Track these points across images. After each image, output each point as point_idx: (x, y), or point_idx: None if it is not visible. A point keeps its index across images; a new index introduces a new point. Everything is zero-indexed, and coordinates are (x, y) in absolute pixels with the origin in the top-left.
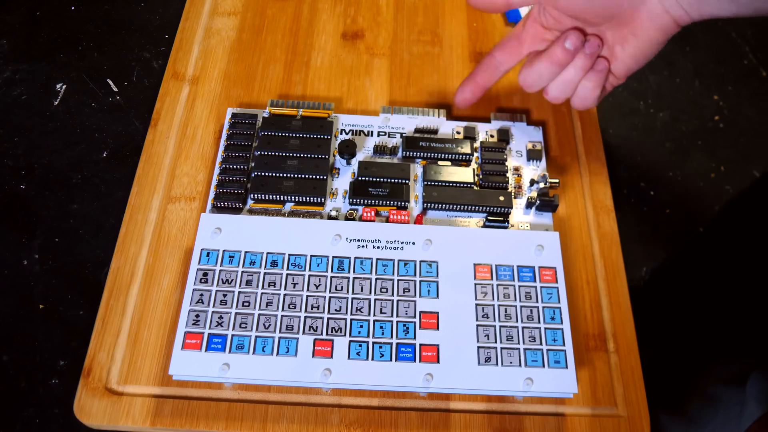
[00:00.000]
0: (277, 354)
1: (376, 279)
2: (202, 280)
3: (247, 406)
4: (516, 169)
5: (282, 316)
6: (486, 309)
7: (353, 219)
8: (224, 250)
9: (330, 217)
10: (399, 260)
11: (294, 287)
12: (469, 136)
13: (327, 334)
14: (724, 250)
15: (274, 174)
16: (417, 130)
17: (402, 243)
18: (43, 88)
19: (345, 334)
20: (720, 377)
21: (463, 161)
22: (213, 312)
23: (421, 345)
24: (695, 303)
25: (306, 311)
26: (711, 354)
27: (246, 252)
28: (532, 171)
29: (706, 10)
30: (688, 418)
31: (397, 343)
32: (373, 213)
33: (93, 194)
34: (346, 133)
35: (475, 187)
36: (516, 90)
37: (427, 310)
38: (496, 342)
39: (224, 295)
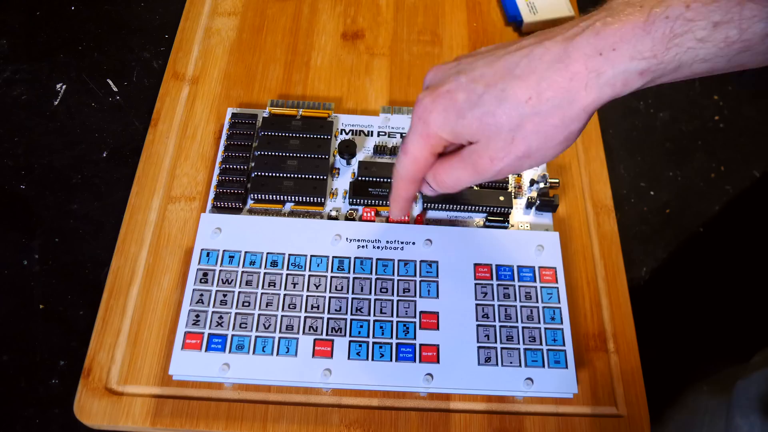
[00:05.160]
0: (277, 354)
1: (376, 279)
2: (202, 280)
3: (247, 406)
4: None
5: (282, 316)
6: (486, 309)
7: (353, 219)
8: (224, 250)
9: (330, 217)
10: (399, 260)
11: (294, 287)
12: None
13: (327, 334)
14: (724, 250)
15: (274, 174)
16: None
17: (402, 243)
18: (43, 88)
19: (345, 334)
20: (703, 389)
21: None
22: (213, 312)
23: (421, 345)
24: (695, 303)
25: (306, 311)
26: (712, 354)
27: (246, 252)
28: (532, 171)
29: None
30: (673, 428)
31: (397, 343)
32: (373, 213)
33: (93, 194)
34: (346, 133)
35: (475, 187)
36: None
37: (427, 310)
38: (496, 342)
39: (224, 295)
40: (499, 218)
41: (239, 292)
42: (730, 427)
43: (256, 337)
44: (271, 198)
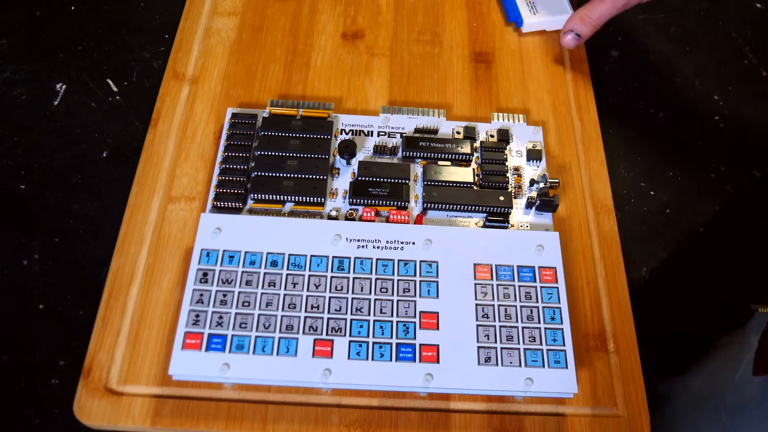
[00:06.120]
0: (277, 354)
1: (376, 279)
2: (202, 280)
3: (247, 406)
4: (516, 169)
5: (282, 316)
6: (486, 309)
7: (353, 219)
8: (224, 250)
9: (330, 217)
10: (399, 260)
11: (294, 287)
12: (469, 136)
13: (327, 334)
14: (724, 250)
15: (274, 174)
16: (417, 130)
17: (402, 243)
18: (43, 88)
19: (345, 334)
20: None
21: (463, 161)
22: (213, 312)
23: (421, 345)
24: (695, 303)
25: (306, 311)
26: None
27: (246, 252)
28: (532, 171)
29: None
30: (683, 373)
31: (397, 343)
32: (373, 213)
33: (93, 194)
34: (346, 133)
35: (475, 187)
36: (516, 90)
37: (427, 310)
38: (496, 342)
39: (224, 295)
40: (499, 218)
41: (239, 292)
42: (744, 345)
43: (256, 337)
44: (271, 198)
